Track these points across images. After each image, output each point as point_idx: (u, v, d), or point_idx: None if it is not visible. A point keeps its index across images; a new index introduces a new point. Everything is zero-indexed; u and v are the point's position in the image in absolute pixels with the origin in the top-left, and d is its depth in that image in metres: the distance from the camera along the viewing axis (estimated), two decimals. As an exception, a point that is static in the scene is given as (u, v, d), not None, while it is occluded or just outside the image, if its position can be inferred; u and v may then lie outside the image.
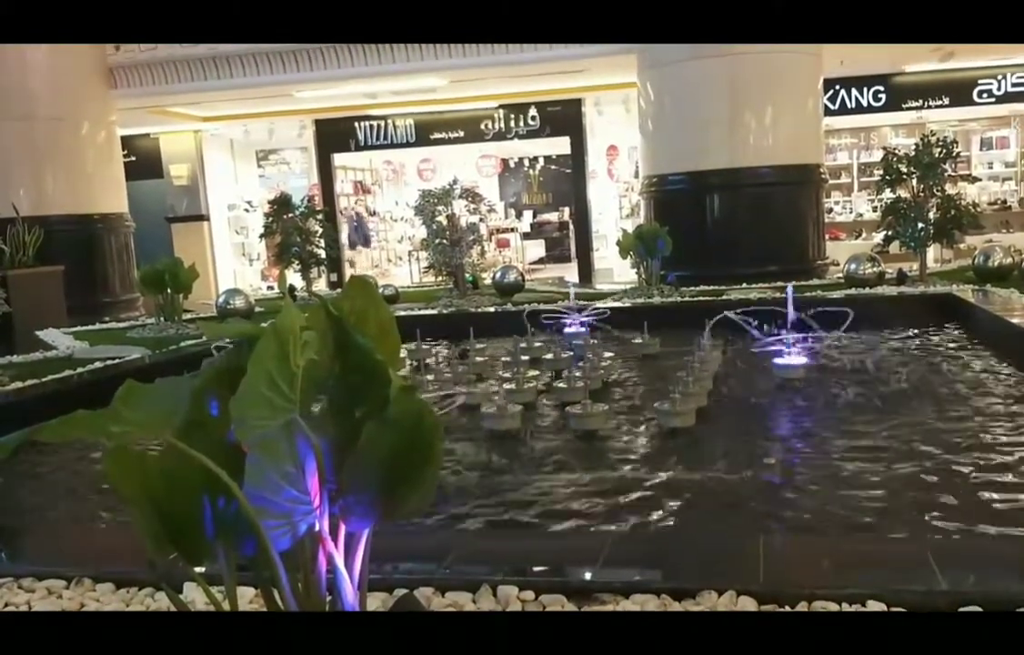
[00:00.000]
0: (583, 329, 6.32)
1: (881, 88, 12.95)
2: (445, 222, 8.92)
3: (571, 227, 15.48)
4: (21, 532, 3.16)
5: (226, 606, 1.59)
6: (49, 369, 5.52)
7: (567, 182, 15.29)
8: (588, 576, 2.09)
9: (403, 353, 5.47)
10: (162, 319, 7.91)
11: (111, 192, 10.48)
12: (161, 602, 2.05)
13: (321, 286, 11.44)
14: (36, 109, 9.63)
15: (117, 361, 5.88)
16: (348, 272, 13.89)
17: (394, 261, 16.81)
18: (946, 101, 12.95)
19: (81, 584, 2.19)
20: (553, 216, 17.73)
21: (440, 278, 9.19)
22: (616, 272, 12.52)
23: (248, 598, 1.97)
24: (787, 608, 1.86)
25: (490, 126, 14.06)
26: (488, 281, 9.23)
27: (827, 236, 10.04)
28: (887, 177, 7.96)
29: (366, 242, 16.09)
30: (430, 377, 4.99)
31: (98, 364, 5.74)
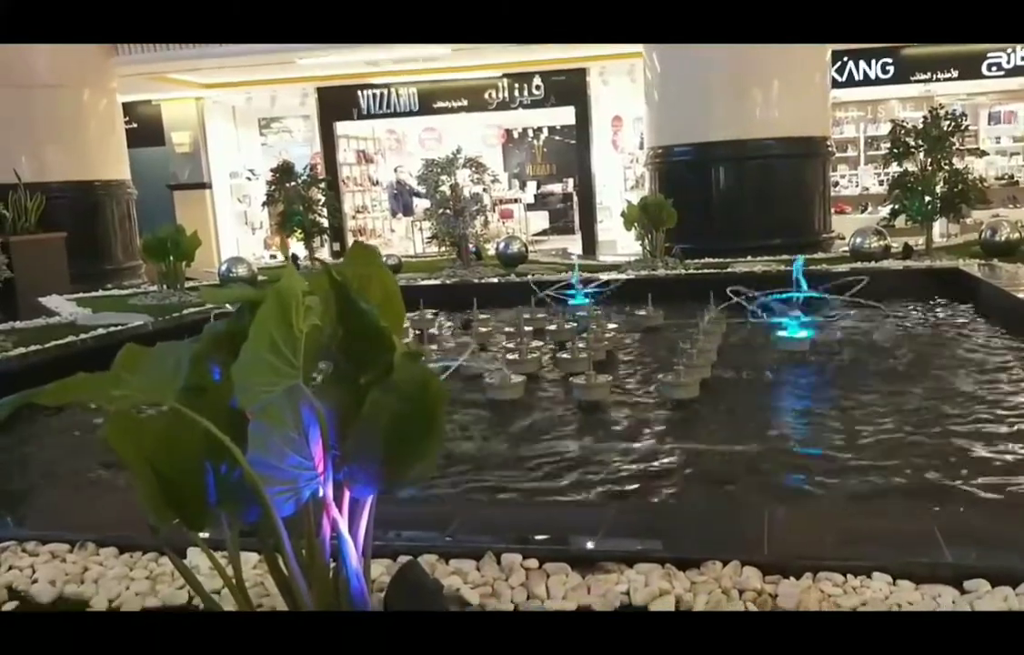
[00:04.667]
0: (587, 300, 6.30)
1: (889, 60, 12.82)
2: (448, 192, 8.88)
3: (575, 198, 15.41)
4: (25, 496, 3.17)
5: (229, 572, 1.58)
6: (52, 335, 5.51)
7: (571, 153, 15.19)
8: (592, 545, 2.08)
9: (406, 322, 5.45)
10: (164, 287, 7.90)
11: (113, 159, 10.44)
12: (165, 567, 2.04)
13: (324, 255, 11.41)
14: (38, 76, 9.56)
15: (120, 328, 5.87)
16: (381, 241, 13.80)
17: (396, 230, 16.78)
18: (955, 74, 12.82)
19: (84, 548, 2.19)
20: (557, 187, 17.64)
21: (443, 248, 9.17)
22: (620, 244, 12.48)
23: (252, 564, 1.97)
24: (791, 578, 1.86)
25: (494, 95, 13.96)
26: (491, 252, 9.20)
27: (833, 210, 9.98)
28: (895, 150, 7.90)
29: (406, 211, 16.01)
30: (433, 346, 4.97)
31: (101, 330, 5.73)
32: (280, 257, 11.58)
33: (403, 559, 1.94)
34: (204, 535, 1.64)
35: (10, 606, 1.95)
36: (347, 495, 1.55)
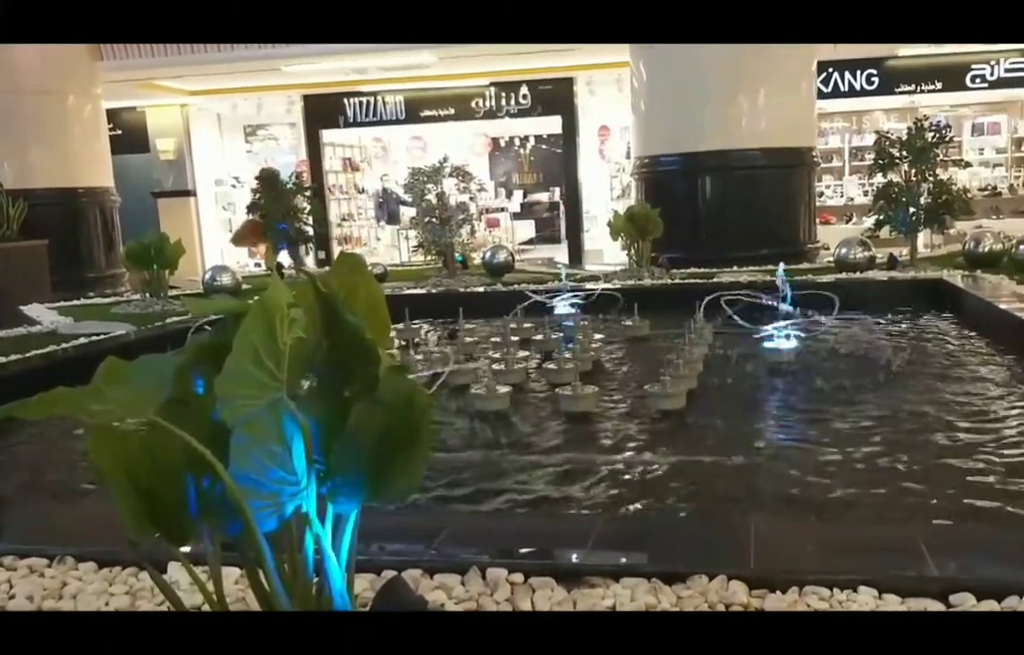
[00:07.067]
0: (573, 310, 6.30)
1: (874, 72, 12.92)
2: (435, 201, 8.86)
3: (561, 207, 15.43)
4: (2, 509, 3.12)
5: (210, 587, 1.56)
6: (33, 344, 5.45)
7: (558, 162, 15.22)
8: (578, 559, 2.07)
9: (391, 332, 5.42)
10: (147, 295, 7.83)
11: (96, 166, 10.36)
12: (144, 582, 2.01)
13: (309, 263, 11.35)
14: (22, 81, 9.48)
15: (102, 337, 5.82)
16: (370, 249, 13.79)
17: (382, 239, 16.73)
18: (939, 86, 12.94)
19: (63, 563, 2.16)
20: (543, 196, 17.65)
21: (429, 257, 9.14)
22: (606, 253, 12.49)
23: (233, 578, 1.94)
24: (778, 592, 1.85)
25: (481, 104, 13.97)
26: (478, 261, 9.19)
27: (818, 220, 10.03)
28: (879, 161, 7.95)
29: (392, 219, 15.96)
30: (419, 357, 4.95)
31: (83, 340, 5.67)
32: (264, 266, 11.51)
33: (387, 574, 1.92)
34: (185, 550, 1.61)
35: (-13, 622, 1.92)
36: (331, 509, 1.53)
